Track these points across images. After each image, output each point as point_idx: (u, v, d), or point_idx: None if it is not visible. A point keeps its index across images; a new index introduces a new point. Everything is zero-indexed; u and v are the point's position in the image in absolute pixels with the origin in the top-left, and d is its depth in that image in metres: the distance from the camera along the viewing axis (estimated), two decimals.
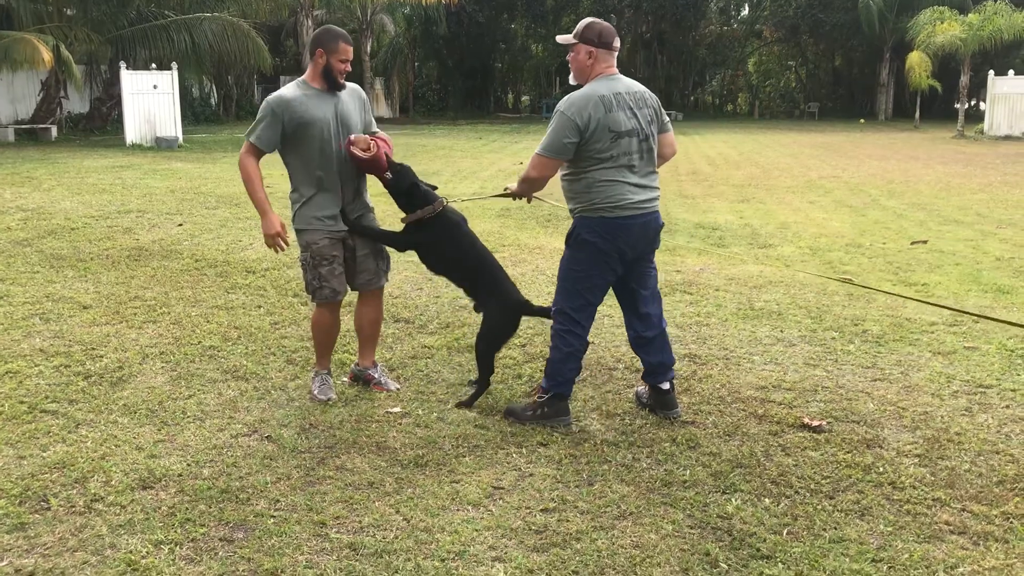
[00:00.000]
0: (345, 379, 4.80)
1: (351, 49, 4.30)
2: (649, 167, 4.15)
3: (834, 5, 45.69)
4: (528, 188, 4.31)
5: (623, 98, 4.03)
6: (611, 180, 4.01)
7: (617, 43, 4.12)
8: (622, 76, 4.15)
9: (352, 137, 4.23)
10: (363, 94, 4.57)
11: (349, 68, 4.30)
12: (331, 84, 4.29)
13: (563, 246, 4.25)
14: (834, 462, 3.81)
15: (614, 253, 4.08)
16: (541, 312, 4.52)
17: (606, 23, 4.13)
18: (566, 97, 4.04)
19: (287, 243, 4.36)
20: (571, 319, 4.15)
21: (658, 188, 4.21)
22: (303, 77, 4.37)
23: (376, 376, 4.66)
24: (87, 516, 3.28)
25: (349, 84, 4.41)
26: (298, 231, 4.39)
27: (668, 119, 4.30)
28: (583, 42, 4.08)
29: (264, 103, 4.27)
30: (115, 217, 10.14)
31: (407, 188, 4.37)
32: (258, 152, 4.27)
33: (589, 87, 4.04)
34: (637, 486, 3.59)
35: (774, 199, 13.03)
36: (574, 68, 4.14)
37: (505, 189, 4.54)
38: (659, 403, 4.35)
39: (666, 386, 4.33)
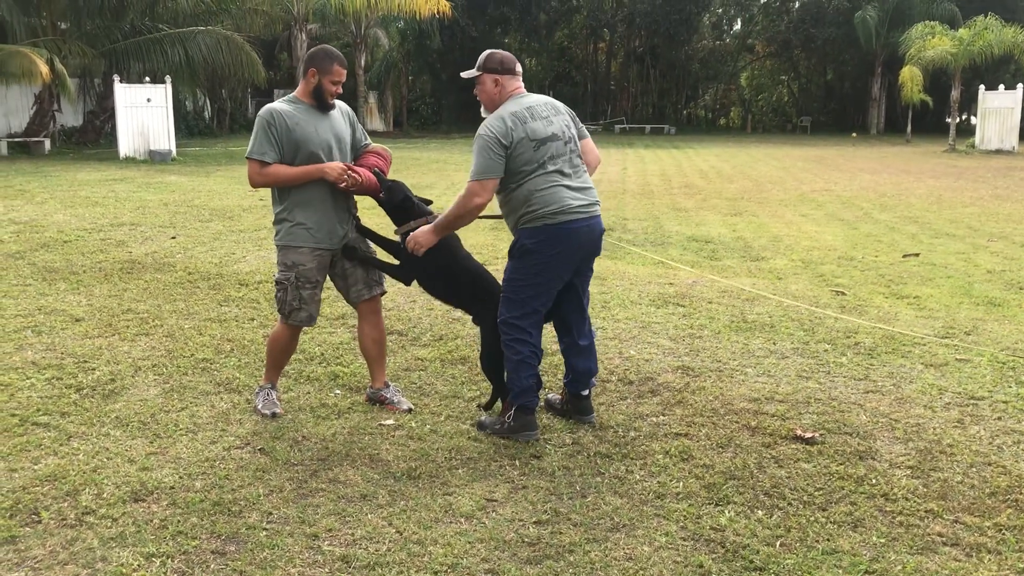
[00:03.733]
0: (338, 392, 4.79)
1: (345, 72, 4.29)
2: (581, 171, 4.22)
3: (826, 20, 46.02)
4: (468, 218, 4.18)
5: (535, 110, 4.14)
6: (547, 186, 4.06)
7: (519, 68, 4.24)
8: (530, 93, 4.25)
9: (343, 174, 4.21)
10: (349, 110, 4.55)
11: (340, 90, 4.30)
12: (321, 104, 4.28)
13: None
14: (827, 474, 3.82)
15: (563, 259, 4.12)
16: None
17: (505, 52, 4.26)
18: (482, 124, 4.11)
19: (355, 172, 4.24)
20: (516, 327, 4.16)
21: (595, 192, 4.27)
22: (294, 93, 4.36)
23: (388, 396, 4.59)
24: (78, 529, 3.27)
25: (338, 102, 4.39)
26: (282, 247, 4.34)
27: (584, 127, 4.39)
28: (487, 72, 4.18)
29: (258, 117, 4.26)
30: (108, 230, 10.13)
31: (399, 202, 4.36)
32: (265, 166, 4.21)
33: (499, 111, 4.13)
34: (630, 498, 3.59)
35: (767, 212, 13.07)
36: (483, 99, 4.23)
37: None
38: (577, 409, 4.42)
39: (586, 392, 4.41)
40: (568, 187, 4.10)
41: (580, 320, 4.39)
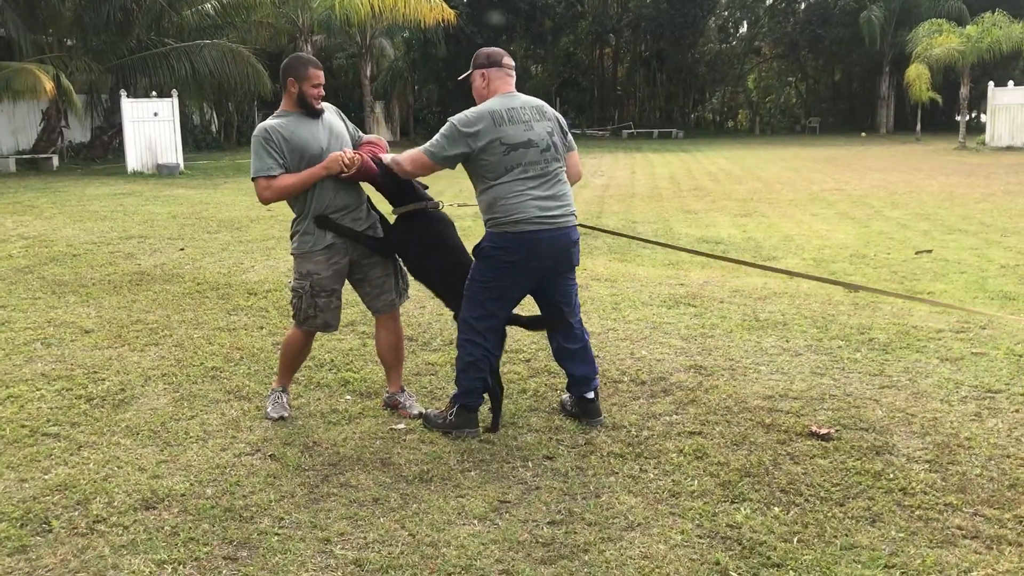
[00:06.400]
0: (349, 397, 4.77)
1: (322, 73, 4.25)
2: (554, 180, 4.12)
3: (832, 20, 45.98)
4: (405, 175, 4.26)
5: (517, 112, 4.09)
6: (512, 194, 4.01)
7: (508, 61, 4.22)
8: (520, 94, 4.21)
9: (341, 159, 4.18)
10: (337, 109, 4.50)
11: (322, 92, 4.26)
12: (309, 111, 4.25)
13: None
14: (843, 469, 3.77)
15: (522, 267, 4.07)
16: (525, 322, 4.50)
17: (494, 47, 4.28)
18: (463, 112, 4.09)
19: (353, 156, 4.18)
20: (472, 329, 4.16)
21: (570, 202, 4.17)
22: (280, 108, 4.31)
23: (402, 400, 4.59)
24: (89, 537, 3.25)
25: (324, 103, 4.34)
26: (298, 256, 4.34)
27: (572, 138, 4.34)
28: (476, 68, 4.21)
29: (253, 138, 4.21)
30: (117, 243, 10.16)
31: (399, 184, 4.33)
32: (272, 179, 4.18)
33: (484, 104, 4.12)
34: (645, 497, 3.55)
35: (777, 212, 13.02)
36: (475, 95, 4.24)
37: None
38: (584, 411, 4.38)
39: (591, 395, 4.38)
40: (536, 196, 4.03)
41: (566, 327, 4.35)
